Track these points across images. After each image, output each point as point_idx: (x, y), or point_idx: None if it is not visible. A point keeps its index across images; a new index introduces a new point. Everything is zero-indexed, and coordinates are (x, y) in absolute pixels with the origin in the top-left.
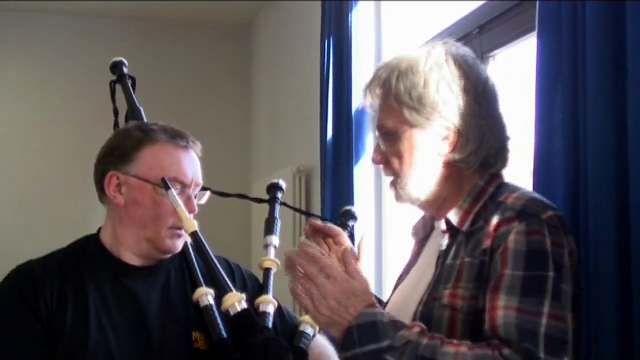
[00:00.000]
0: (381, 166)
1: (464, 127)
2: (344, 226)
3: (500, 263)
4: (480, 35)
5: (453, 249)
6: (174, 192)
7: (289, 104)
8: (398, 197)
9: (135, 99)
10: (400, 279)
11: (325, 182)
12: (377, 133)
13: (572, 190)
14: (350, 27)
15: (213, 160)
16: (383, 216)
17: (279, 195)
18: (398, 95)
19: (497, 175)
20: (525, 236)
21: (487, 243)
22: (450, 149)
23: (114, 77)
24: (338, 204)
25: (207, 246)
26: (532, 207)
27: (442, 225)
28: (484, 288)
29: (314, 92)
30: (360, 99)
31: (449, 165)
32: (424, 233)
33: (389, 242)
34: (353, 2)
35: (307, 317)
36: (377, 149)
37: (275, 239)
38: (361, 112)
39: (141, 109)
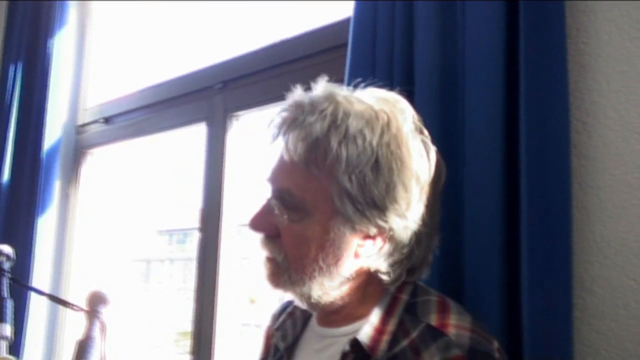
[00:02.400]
0: (260, 235)
1: (400, 232)
2: (93, 313)
3: None
4: (223, 91)
5: None
6: None
7: None
8: (279, 285)
9: None
10: None
11: None
12: (271, 193)
13: None
14: (50, 56)
15: None
16: (64, 279)
17: (7, 266)
18: (335, 170)
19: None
20: None
21: None
22: (373, 253)
23: None
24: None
25: None
26: (480, 340)
27: (334, 339)
28: None
29: None
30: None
31: (363, 271)
32: (292, 337)
33: (70, 313)
34: (55, 28)
35: None
36: (263, 212)
37: (7, 329)
38: (52, 155)
39: None
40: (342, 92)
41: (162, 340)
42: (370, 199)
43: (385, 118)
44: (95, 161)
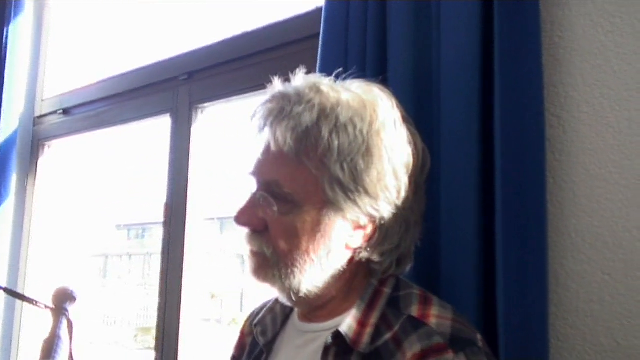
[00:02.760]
0: (246, 231)
1: (390, 221)
2: (60, 311)
3: None
4: (189, 82)
5: None
6: None
7: None
8: (266, 279)
9: None
10: None
11: None
12: (257, 186)
13: None
14: (5, 45)
15: None
16: (21, 275)
17: None
18: (326, 159)
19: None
20: None
21: None
22: (363, 243)
23: None
24: None
25: None
26: (463, 329)
27: (316, 334)
28: None
29: None
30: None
31: (353, 263)
32: (273, 333)
33: (27, 310)
34: (11, 15)
35: None
36: (249, 206)
37: None
38: (9, 147)
39: None
40: (326, 81)
41: (122, 337)
42: (363, 187)
43: (373, 107)
44: (53, 154)
